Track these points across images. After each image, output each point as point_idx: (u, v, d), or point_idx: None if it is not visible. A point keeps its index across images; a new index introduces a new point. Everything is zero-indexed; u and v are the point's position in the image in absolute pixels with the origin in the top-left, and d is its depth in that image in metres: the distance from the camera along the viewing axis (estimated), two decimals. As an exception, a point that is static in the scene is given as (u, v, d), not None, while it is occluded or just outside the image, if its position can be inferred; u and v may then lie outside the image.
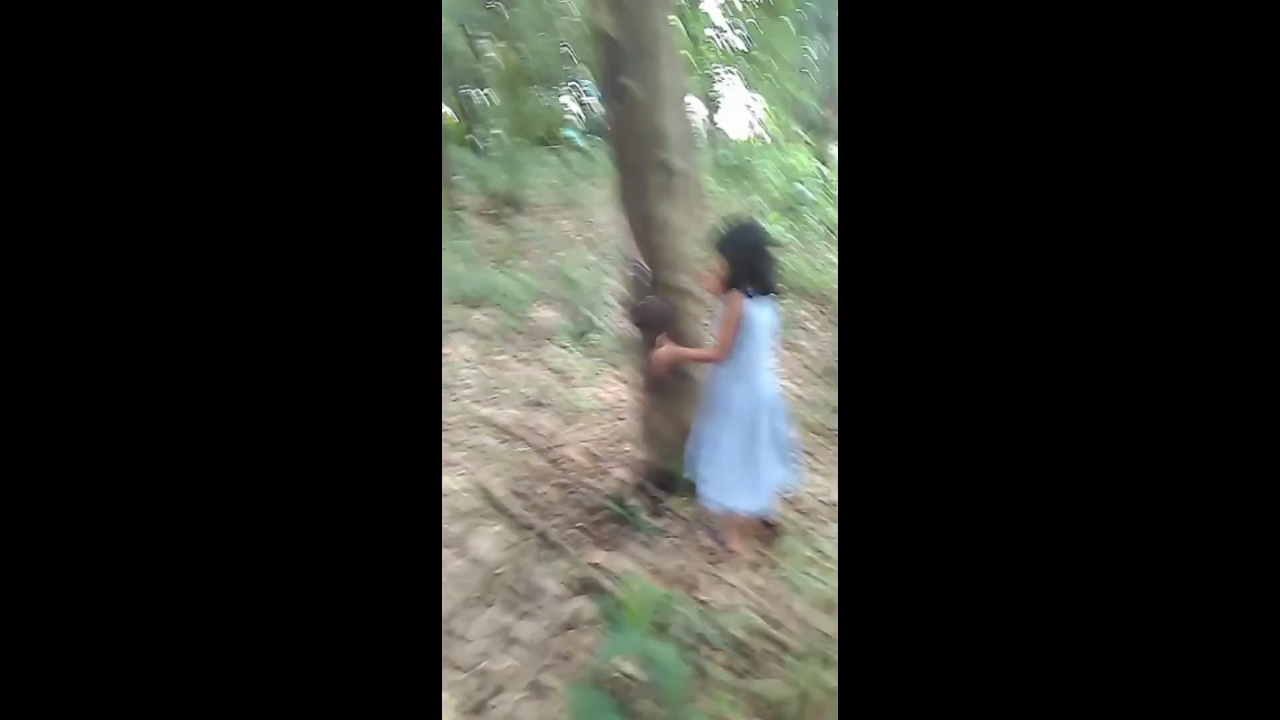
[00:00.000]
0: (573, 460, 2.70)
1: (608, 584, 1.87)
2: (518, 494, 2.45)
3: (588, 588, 1.90)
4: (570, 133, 11.50)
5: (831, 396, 3.12)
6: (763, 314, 1.83)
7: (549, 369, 3.73)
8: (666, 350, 2.00)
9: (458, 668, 1.68)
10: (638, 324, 2.13)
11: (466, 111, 11.27)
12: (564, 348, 3.95)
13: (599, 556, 2.02)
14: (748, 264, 1.82)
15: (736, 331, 1.82)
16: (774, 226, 5.24)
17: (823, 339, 3.96)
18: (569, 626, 1.79)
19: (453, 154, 7.73)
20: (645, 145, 1.95)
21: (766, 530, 2.11)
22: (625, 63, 1.91)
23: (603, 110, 2.24)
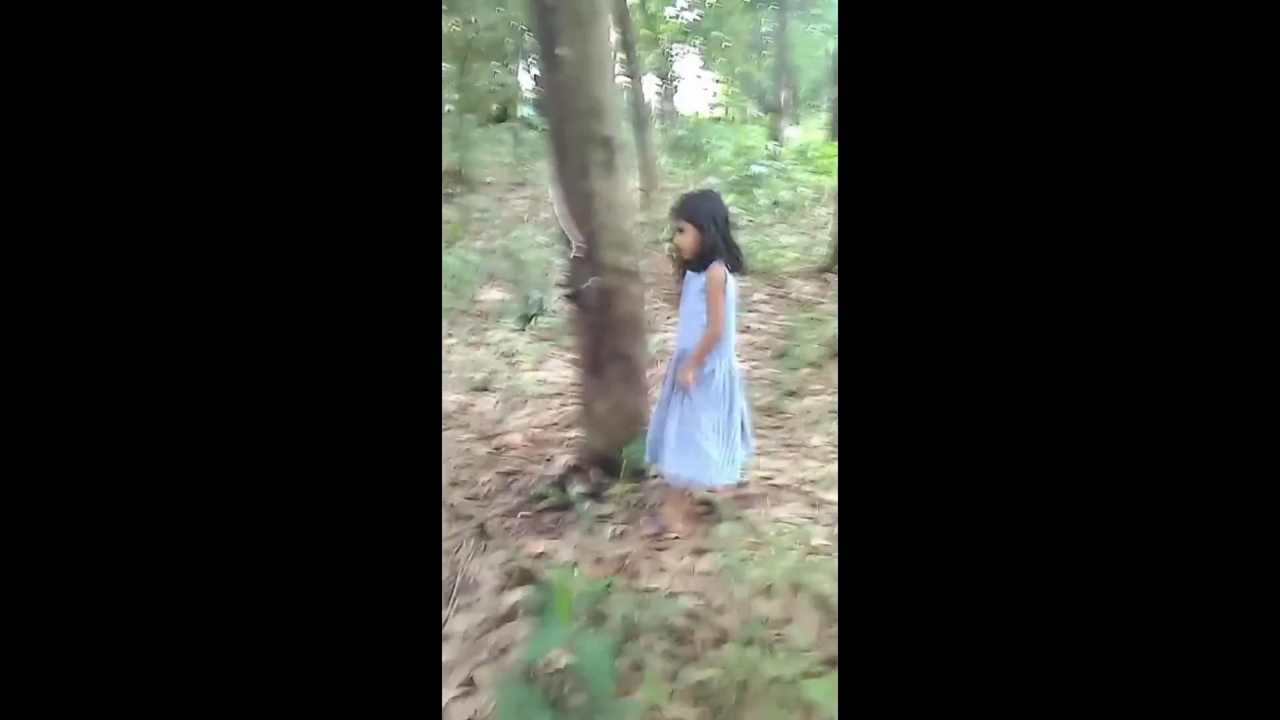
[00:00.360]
0: (517, 447, 2.63)
1: (548, 574, 1.82)
2: (457, 483, 2.38)
3: (527, 579, 1.85)
4: (528, 110, 11.25)
5: (784, 378, 3.10)
6: (731, 288, 1.80)
7: (496, 352, 3.64)
8: (687, 367, 1.90)
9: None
10: (577, 306, 2.07)
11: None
12: (513, 330, 3.86)
13: (540, 546, 1.97)
14: (722, 235, 1.79)
15: (724, 303, 1.78)
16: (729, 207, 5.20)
17: (776, 321, 3.94)
18: (506, 619, 1.74)
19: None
20: (582, 119, 1.88)
21: (706, 508, 2.08)
22: (562, 33, 1.83)
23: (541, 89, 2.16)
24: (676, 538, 1.98)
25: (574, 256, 1.99)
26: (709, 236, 1.80)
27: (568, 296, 2.06)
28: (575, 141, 1.90)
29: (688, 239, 1.82)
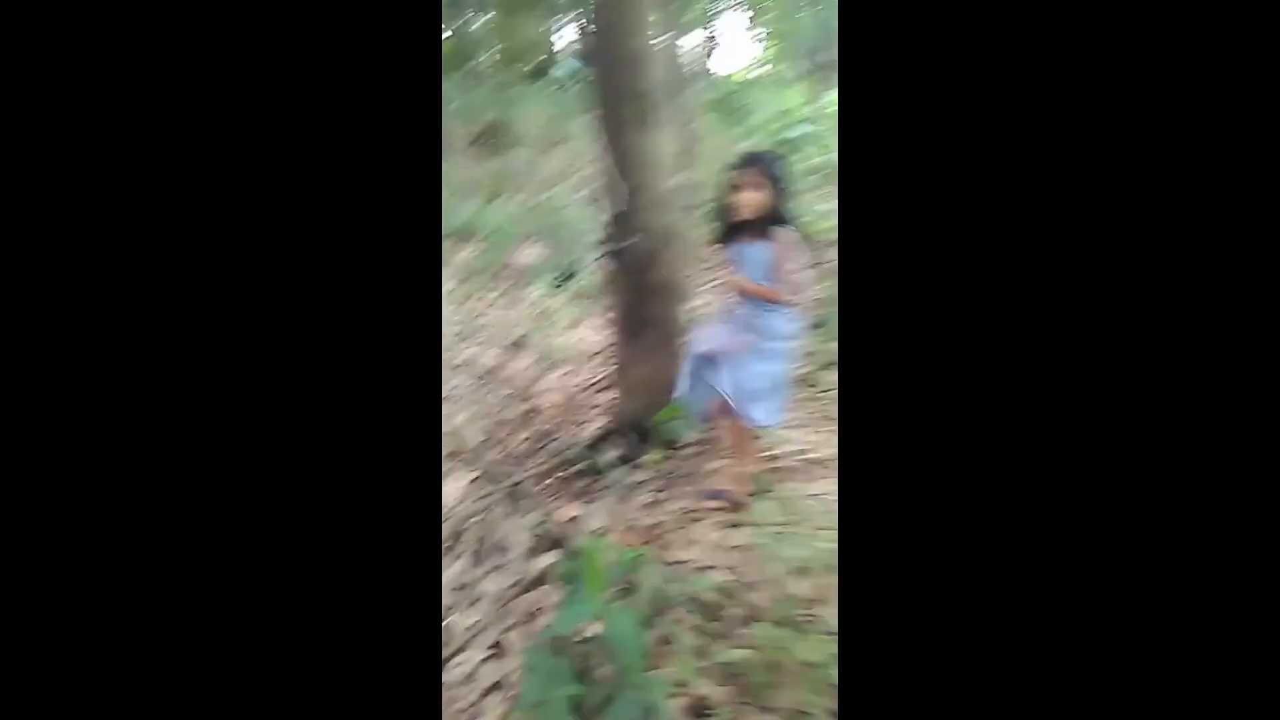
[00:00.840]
0: (551, 408, 2.61)
1: (578, 540, 1.80)
2: (492, 441, 2.37)
3: (558, 543, 1.84)
4: (574, 64, 11.00)
5: (821, 349, 3.02)
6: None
7: (534, 310, 3.61)
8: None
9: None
10: (616, 266, 2.01)
11: (462, 36, 10.79)
12: (550, 288, 3.82)
13: (572, 510, 1.95)
14: (786, 196, 1.74)
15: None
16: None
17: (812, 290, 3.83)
18: (537, 583, 1.73)
19: (445, 81, 7.39)
20: (619, 71, 1.80)
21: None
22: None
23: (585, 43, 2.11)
24: (740, 505, 1.93)
25: (614, 215, 1.93)
26: (778, 196, 1.72)
27: (607, 255, 2.00)
28: (613, 95, 1.82)
29: (756, 197, 1.73)
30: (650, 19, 1.79)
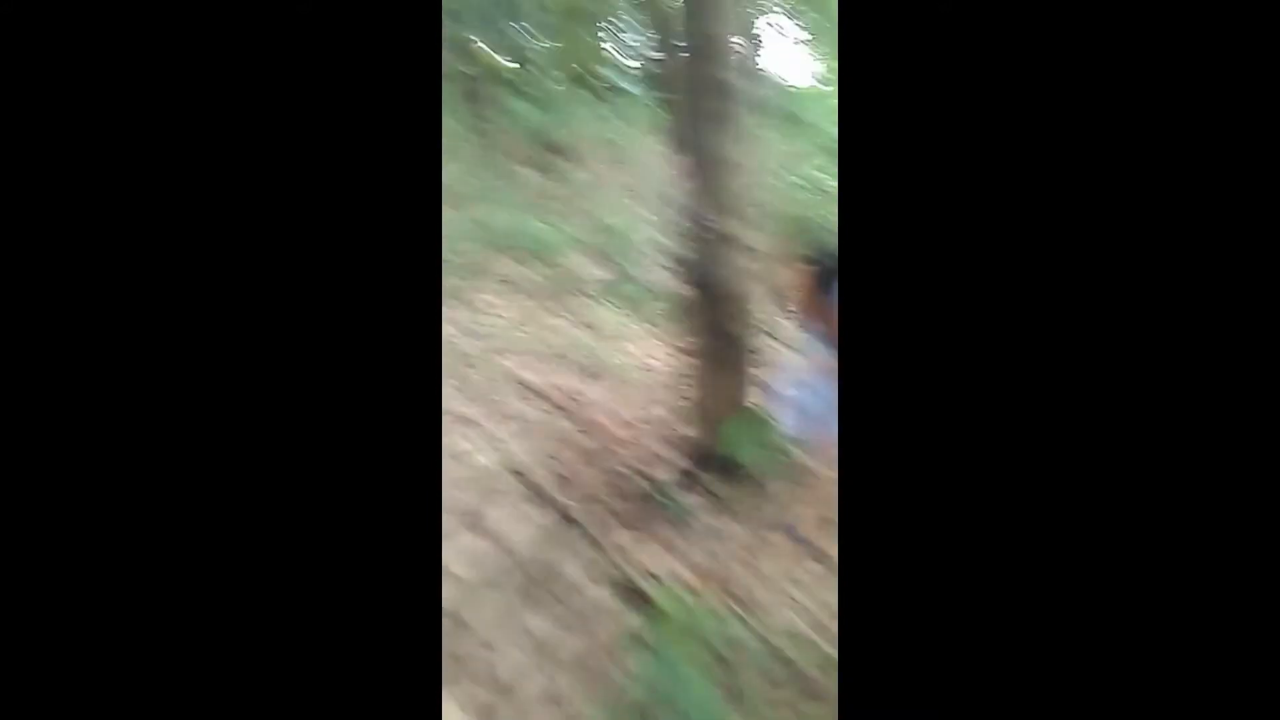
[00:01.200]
0: (609, 431, 2.48)
1: (641, 582, 1.67)
2: (546, 467, 2.25)
3: (619, 584, 1.70)
4: (623, 77, 11.04)
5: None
6: None
7: (587, 325, 3.51)
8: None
9: (465, 662, 1.50)
10: (686, 283, 1.88)
11: (512, 50, 10.91)
12: (604, 303, 3.72)
13: (633, 546, 1.82)
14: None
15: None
16: (819, 174, 4.82)
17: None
18: (597, 628, 1.60)
19: (497, 95, 7.43)
20: (696, 63, 1.67)
21: None
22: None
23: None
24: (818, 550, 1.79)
25: (688, 228, 1.80)
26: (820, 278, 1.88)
27: (676, 272, 1.87)
28: (690, 90, 1.70)
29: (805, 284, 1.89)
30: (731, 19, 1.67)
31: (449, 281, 4.05)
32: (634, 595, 1.67)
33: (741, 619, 1.54)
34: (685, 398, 2.10)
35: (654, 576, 1.73)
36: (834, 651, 1.45)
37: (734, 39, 1.70)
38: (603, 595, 1.68)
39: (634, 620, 1.60)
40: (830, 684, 1.38)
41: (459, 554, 1.83)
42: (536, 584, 1.75)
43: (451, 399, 2.68)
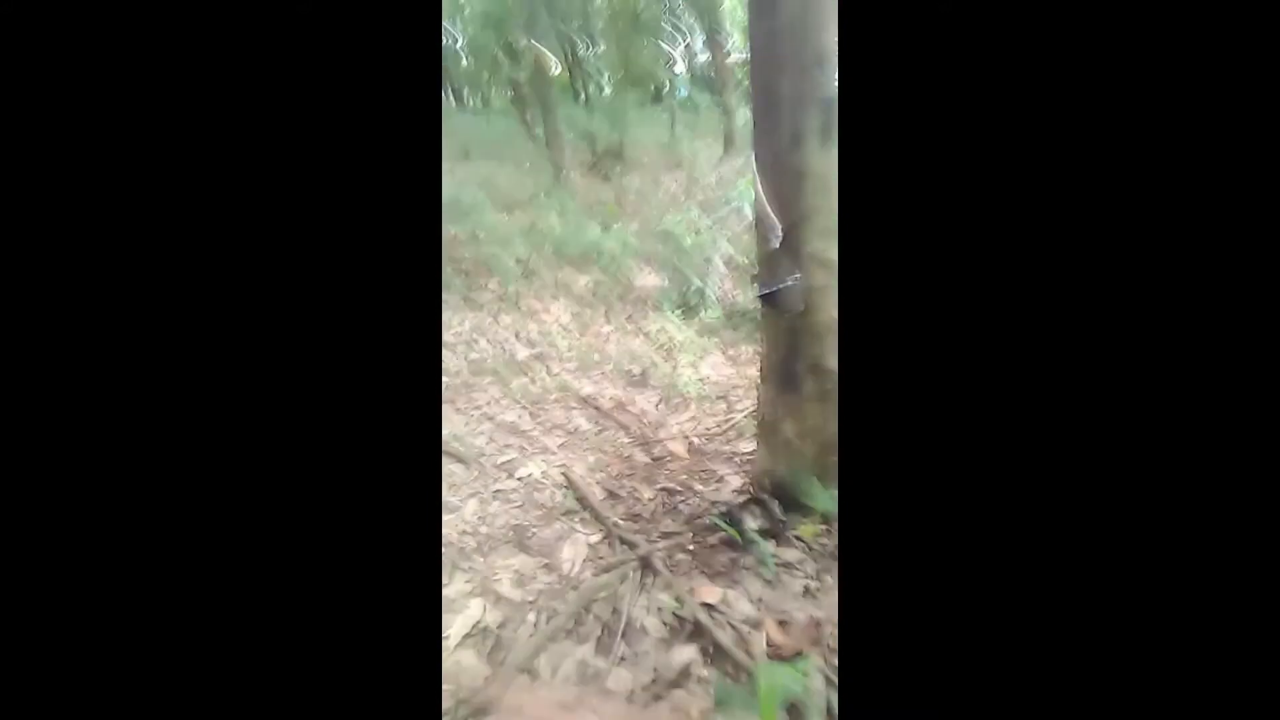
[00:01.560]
0: (681, 458, 2.33)
1: (720, 635, 1.50)
2: (616, 496, 2.11)
3: (696, 634, 1.54)
4: (683, 88, 10.90)
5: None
6: None
7: (653, 344, 3.36)
8: None
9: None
10: (772, 306, 1.71)
11: (572, 61, 10.87)
12: (671, 320, 3.57)
13: (714, 594, 1.65)
14: None
15: None
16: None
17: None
18: (673, 685, 1.44)
19: (557, 105, 7.37)
20: (801, 74, 1.51)
21: None
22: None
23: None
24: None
25: (773, 247, 1.63)
26: None
27: (763, 296, 1.70)
28: (789, 103, 1.53)
29: None
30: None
31: (508, 288, 3.96)
32: (691, 629, 1.52)
33: (829, 679, 1.36)
34: (750, 416, 1.93)
35: (731, 619, 1.57)
36: None
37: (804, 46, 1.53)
38: (683, 647, 1.53)
39: (688, 654, 1.46)
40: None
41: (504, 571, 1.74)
42: (607, 628, 1.60)
43: (503, 408, 2.58)
